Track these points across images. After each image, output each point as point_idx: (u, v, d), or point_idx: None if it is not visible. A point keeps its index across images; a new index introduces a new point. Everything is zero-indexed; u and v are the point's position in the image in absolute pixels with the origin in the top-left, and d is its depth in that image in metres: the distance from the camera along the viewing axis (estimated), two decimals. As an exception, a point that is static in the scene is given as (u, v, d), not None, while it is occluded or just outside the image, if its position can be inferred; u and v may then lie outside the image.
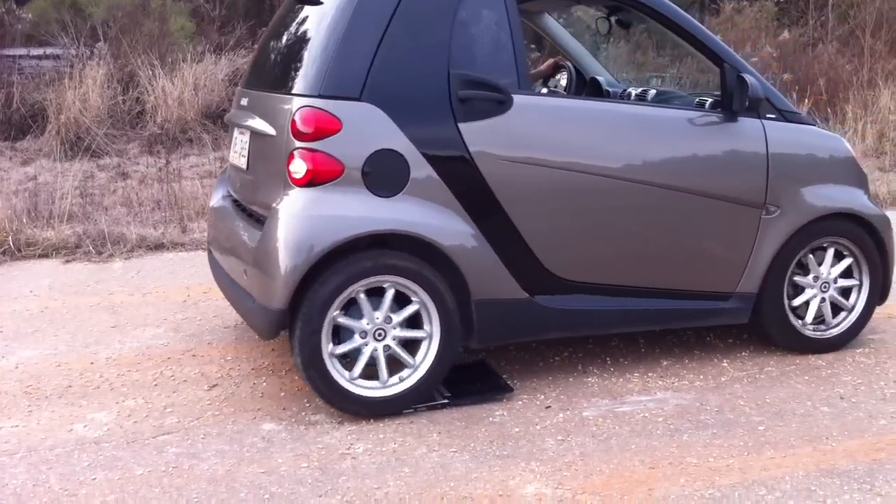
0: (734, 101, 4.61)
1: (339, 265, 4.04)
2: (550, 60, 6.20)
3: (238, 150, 4.79)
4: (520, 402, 4.34)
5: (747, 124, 4.69)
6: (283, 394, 4.45)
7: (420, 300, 4.18)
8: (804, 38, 13.93)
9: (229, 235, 4.74)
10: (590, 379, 4.62)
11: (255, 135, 4.52)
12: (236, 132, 4.89)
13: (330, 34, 4.17)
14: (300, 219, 4.05)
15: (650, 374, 4.68)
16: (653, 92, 5.43)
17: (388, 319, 4.17)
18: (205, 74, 11.77)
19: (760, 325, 4.93)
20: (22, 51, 12.76)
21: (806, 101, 11.35)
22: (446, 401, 4.29)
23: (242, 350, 5.05)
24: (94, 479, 3.64)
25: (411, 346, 4.25)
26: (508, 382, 4.53)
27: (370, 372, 4.19)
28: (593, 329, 4.69)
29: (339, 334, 4.16)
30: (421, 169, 4.13)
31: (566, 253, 4.44)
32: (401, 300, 4.19)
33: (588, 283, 4.52)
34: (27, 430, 4.09)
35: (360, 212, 4.06)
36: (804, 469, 3.69)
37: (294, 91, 4.21)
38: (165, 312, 5.71)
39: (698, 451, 3.85)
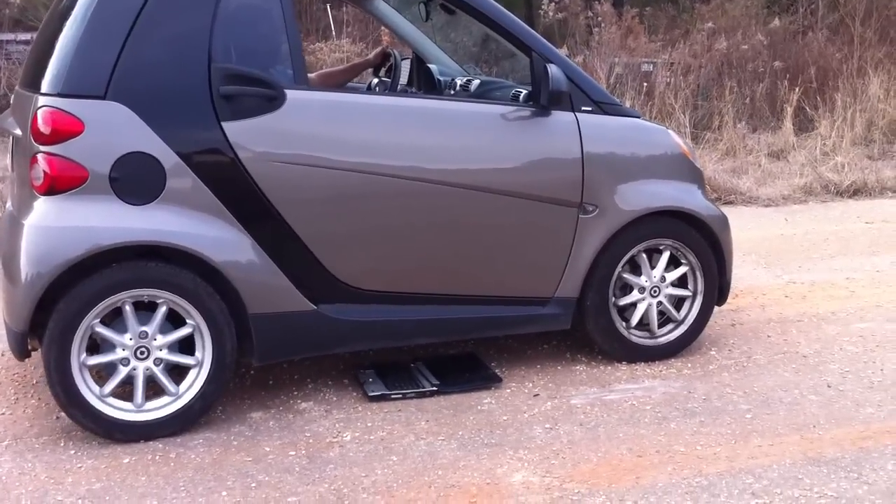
0: (541, 93, 4.29)
1: (95, 278, 3.70)
2: (378, 49, 5.76)
3: (9, 153, 4.46)
4: (508, 391, 4.34)
5: (559, 118, 4.39)
6: (270, 382, 4.44)
7: (194, 323, 3.85)
8: (794, 26, 13.93)
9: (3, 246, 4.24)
10: (578, 367, 4.62)
11: (15, 138, 4.16)
12: (8, 134, 4.49)
13: (75, 25, 3.82)
14: (38, 230, 3.70)
15: (638, 363, 4.67)
16: (476, 82, 4.97)
17: (154, 339, 3.82)
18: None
19: (584, 330, 4.66)
20: (9, 36, 12.66)
21: (796, 89, 11.36)
22: (435, 388, 4.29)
23: (230, 338, 5.03)
24: (81, 467, 3.63)
25: (180, 371, 3.94)
26: (497, 371, 4.52)
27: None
28: (394, 341, 4.40)
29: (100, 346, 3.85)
30: (179, 173, 3.78)
31: (356, 260, 4.13)
32: (177, 321, 3.88)
33: (385, 291, 4.23)
34: (13, 417, 4.07)
35: (107, 222, 3.71)
36: (791, 457, 3.69)
37: (38, 90, 3.82)
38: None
39: (686, 439, 3.85)
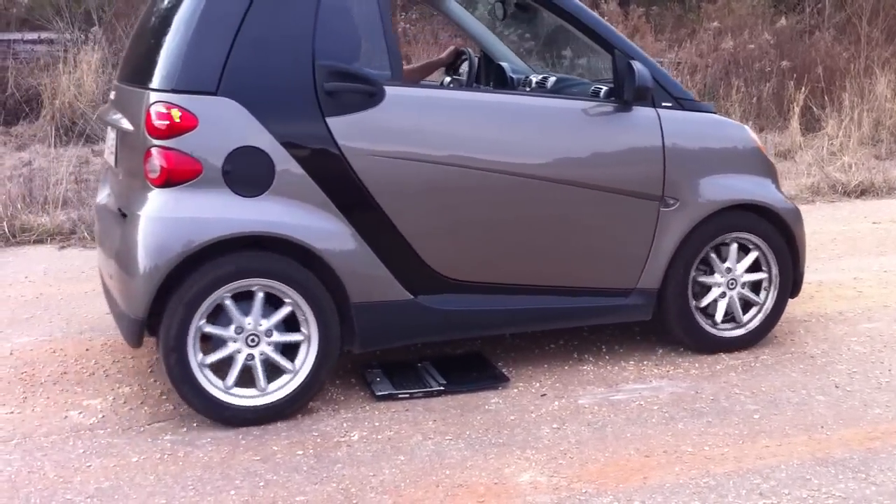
0: (624, 89, 4.41)
1: (203, 269, 3.83)
2: (451, 48, 5.88)
3: (109, 147, 4.59)
4: (515, 390, 4.34)
5: (641, 114, 4.51)
6: (278, 381, 4.44)
7: (293, 301, 3.97)
8: (801, 25, 13.90)
9: (104, 236, 4.53)
10: (585, 367, 4.63)
11: (121, 132, 4.30)
12: (108, 128, 4.68)
13: (185, 24, 3.95)
14: (155, 221, 3.83)
15: (645, 363, 4.68)
16: (552, 79, 5.17)
17: (259, 324, 3.96)
18: (200, 60, 11.71)
19: (664, 322, 4.75)
20: (16, 35, 12.68)
21: (803, 88, 11.34)
22: (442, 388, 4.29)
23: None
24: (89, 465, 3.63)
25: (289, 351, 4.06)
26: (504, 371, 4.52)
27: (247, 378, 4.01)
28: (484, 330, 4.53)
29: (211, 343, 3.97)
30: (287, 166, 3.92)
31: (450, 251, 4.25)
32: (275, 303, 4.00)
33: (476, 282, 4.34)
34: (22, 416, 4.08)
35: (220, 213, 3.85)
36: (799, 457, 3.69)
37: (151, 85, 3.96)
38: (161, 299, 5.69)
39: (693, 439, 3.85)
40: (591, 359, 4.73)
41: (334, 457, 3.71)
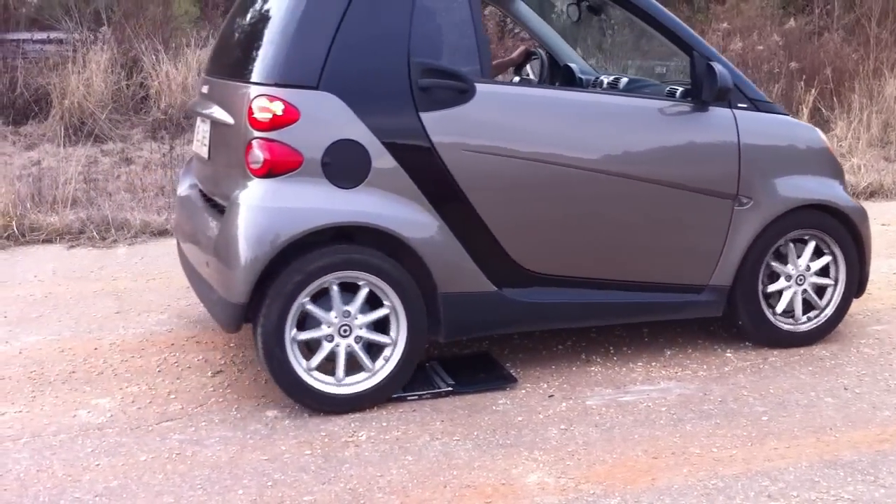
0: (703, 90, 4.49)
1: (302, 259, 3.95)
2: (521, 48, 6.02)
3: (200, 139, 4.71)
4: (523, 391, 4.34)
5: (718, 114, 4.61)
6: (286, 381, 4.45)
7: (391, 304, 4.09)
8: (810, 26, 13.86)
9: (192, 225, 4.67)
10: (593, 368, 4.62)
11: (216, 124, 4.43)
12: (199, 121, 4.80)
13: (286, 20, 4.07)
14: (258, 211, 3.95)
15: (653, 364, 4.67)
16: (625, 80, 5.32)
17: (356, 318, 4.07)
18: (209, 60, 11.73)
19: (734, 317, 4.84)
20: (26, 35, 12.70)
21: (812, 90, 11.31)
22: (450, 389, 4.29)
23: (246, 337, 5.04)
24: (98, 464, 3.64)
25: (376, 349, 4.17)
26: (512, 372, 4.52)
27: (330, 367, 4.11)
28: (562, 322, 4.64)
29: (306, 322, 4.07)
30: (382, 159, 4.04)
31: (533, 245, 4.35)
32: (372, 301, 4.11)
33: (557, 275, 4.43)
34: (31, 415, 4.09)
35: (320, 203, 3.97)
36: (807, 460, 3.69)
37: (251, 79, 4.11)
38: (169, 298, 5.71)
39: (701, 440, 3.85)
40: (599, 360, 4.72)
41: (342, 457, 3.71)
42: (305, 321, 4.06)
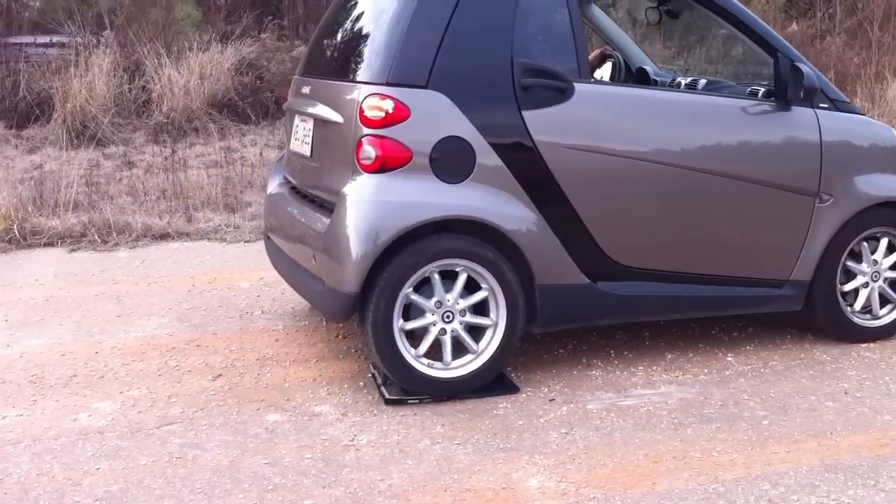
0: (788, 90, 4.67)
1: (408, 250, 4.12)
2: (597, 51, 6.18)
3: (300, 138, 4.85)
4: (524, 395, 4.34)
5: (801, 113, 4.76)
6: (287, 384, 4.45)
7: (489, 287, 4.26)
8: (812, 30, 13.87)
9: (293, 221, 4.79)
10: (594, 372, 4.62)
11: (320, 122, 4.59)
12: (297, 119, 4.93)
13: (395, 23, 4.25)
14: (370, 204, 4.13)
15: (654, 368, 4.67)
16: (703, 81, 5.47)
17: (456, 303, 4.24)
18: (211, 63, 11.75)
19: (811, 312, 4.99)
20: (28, 38, 12.75)
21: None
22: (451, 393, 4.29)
23: (247, 340, 5.05)
24: (98, 468, 3.64)
25: (476, 332, 4.32)
26: (513, 375, 4.52)
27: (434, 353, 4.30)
28: (649, 315, 4.80)
29: (409, 312, 4.24)
30: (486, 156, 4.21)
31: (625, 239, 4.52)
32: (470, 287, 4.28)
33: (646, 269, 4.59)
34: (31, 419, 4.10)
35: (428, 197, 4.15)
36: (808, 464, 3.68)
37: (361, 79, 4.30)
38: (170, 302, 5.71)
39: (702, 445, 3.85)
40: (599, 364, 4.72)
41: (342, 461, 3.71)
42: (409, 311, 4.24)
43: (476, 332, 4.32)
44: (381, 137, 4.12)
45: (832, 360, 4.79)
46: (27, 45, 12.41)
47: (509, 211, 4.24)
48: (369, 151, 4.12)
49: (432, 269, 4.17)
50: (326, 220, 4.31)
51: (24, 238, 7.02)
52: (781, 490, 3.48)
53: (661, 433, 3.95)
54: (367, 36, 4.48)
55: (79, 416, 4.11)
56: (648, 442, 3.87)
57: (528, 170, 4.28)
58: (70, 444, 3.85)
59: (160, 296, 5.85)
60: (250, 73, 12.25)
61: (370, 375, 4.52)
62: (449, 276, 4.24)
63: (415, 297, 4.19)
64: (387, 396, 4.25)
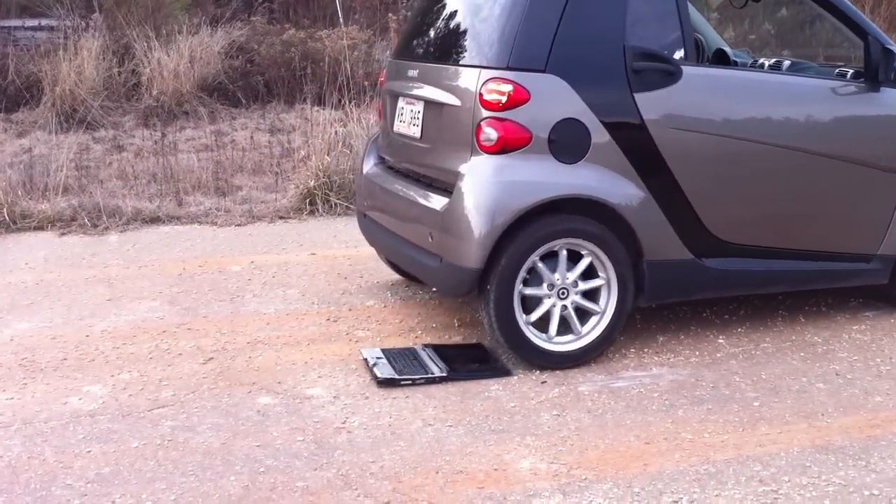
0: (880, 72, 4.82)
1: (527, 229, 4.27)
2: None
3: (407, 120, 4.95)
4: (515, 378, 4.34)
5: (890, 94, 4.91)
6: (278, 367, 4.45)
7: (606, 278, 4.43)
8: (802, 14, 13.85)
9: (402, 200, 4.89)
10: (586, 354, 4.62)
11: (431, 104, 4.69)
12: (402, 102, 5.03)
13: (512, 9, 4.37)
14: (493, 184, 4.29)
15: (646, 350, 4.68)
16: (787, 63, 5.54)
17: (567, 278, 4.39)
18: (201, 47, 11.68)
19: (892, 285, 5.14)
20: (17, 22, 12.66)
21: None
22: (444, 375, 4.29)
23: (238, 324, 5.04)
24: (90, 451, 3.64)
25: (589, 305, 4.48)
26: (505, 358, 4.52)
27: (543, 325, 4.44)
28: (746, 289, 4.98)
29: (525, 302, 4.39)
30: (601, 136, 4.35)
31: (726, 216, 4.68)
32: (572, 259, 4.42)
33: (746, 245, 4.76)
34: (22, 402, 4.08)
35: (547, 177, 4.30)
36: (799, 445, 3.69)
37: (480, 63, 4.42)
38: (161, 285, 5.70)
39: (693, 426, 3.85)
40: (591, 346, 4.72)
41: (334, 443, 3.71)
42: (528, 281, 4.39)
43: (589, 304, 4.48)
44: (502, 120, 4.26)
45: (823, 342, 4.80)
46: (15, 28, 12.33)
47: (622, 190, 4.38)
48: (491, 133, 4.27)
49: (561, 245, 4.34)
50: (444, 200, 4.45)
51: (13, 222, 6.99)
52: (772, 471, 3.48)
53: (652, 415, 3.96)
54: (483, 21, 4.58)
55: (70, 400, 4.10)
56: (640, 423, 3.88)
57: (639, 150, 4.42)
58: (61, 427, 3.84)
59: (151, 279, 5.83)
60: (240, 57, 12.18)
61: (362, 359, 4.51)
62: (552, 257, 4.38)
63: (540, 265, 4.35)
64: (378, 376, 4.24)
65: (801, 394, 4.18)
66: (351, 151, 7.88)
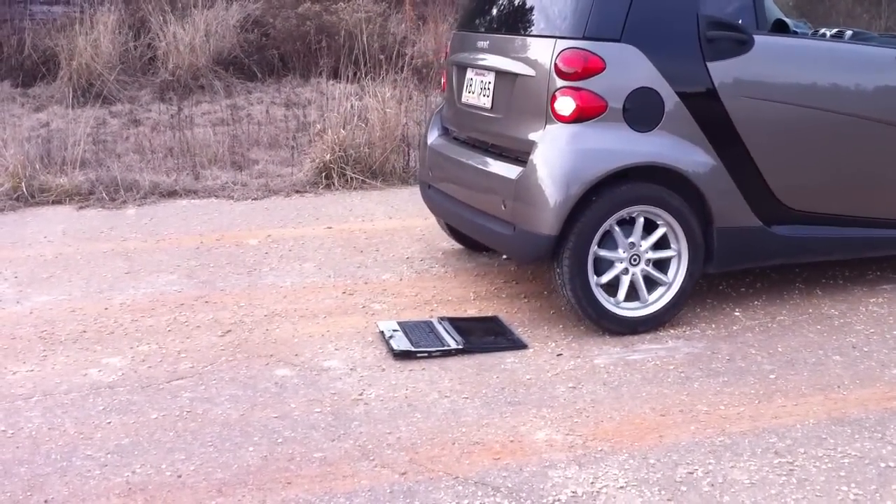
0: None
1: (606, 194, 4.33)
2: None
3: (476, 91, 5.01)
4: (531, 350, 4.35)
5: None
6: (295, 340, 4.47)
7: (665, 222, 4.47)
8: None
9: (467, 171, 4.98)
10: (601, 327, 4.63)
11: (503, 74, 4.74)
12: (471, 73, 5.08)
13: None
14: (569, 152, 4.35)
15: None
16: (849, 33, 5.50)
17: (640, 245, 4.48)
18: (216, 20, 11.67)
19: None
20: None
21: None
22: (460, 347, 4.31)
23: (255, 296, 5.07)
24: (109, 422, 3.67)
25: (661, 267, 4.57)
26: (520, 331, 4.54)
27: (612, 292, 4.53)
28: (813, 256, 5.01)
29: (597, 265, 4.47)
30: (674, 105, 4.40)
31: (794, 183, 4.72)
32: (646, 227, 4.49)
33: (813, 212, 4.82)
34: (42, 374, 4.12)
35: (622, 145, 4.36)
36: (815, 417, 3.69)
37: (555, 34, 4.46)
38: (179, 259, 5.73)
39: (709, 398, 3.86)
40: (607, 319, 4.72)
41: (351, 414, 3.73)
42: (603, 244, 4.48)
43: (660, 270, 4.56)
44: (578, 89, 4.31)
45: (840, 315, 4.78)
46: (32, 3, 12.33)
47: (694, 157, 4.44)
48: (567, 102, 4.32)
49: (629, 214, 4.41)
50: (518, 168, 4.50)
51: (32, 196, 7.03)
52: (788, 443, 3.49)
53: (668, 387, 3.97)
54: None
55: (89, 372, 4.14)
56: (655, 396, 3.89)
57: (711, 118, 4.47)
58: (81, 398, 3.88)
59: (169, 253, 5.86)
60: (256, 31, 12.15)
61: (378, 332, 4.53)
62: (629, 223, 4.47)
63: (602, 252, 4.42)
64: (395, 349, 4.26)
65: (817, 366, 4.18)
66: (367, 125, 7.86)
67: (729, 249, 4.62)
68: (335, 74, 10.21)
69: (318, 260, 5.70)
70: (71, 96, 10.04)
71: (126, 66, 11.18)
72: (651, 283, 4.57)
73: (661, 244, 4.53)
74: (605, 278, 4.46)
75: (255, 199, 7.18)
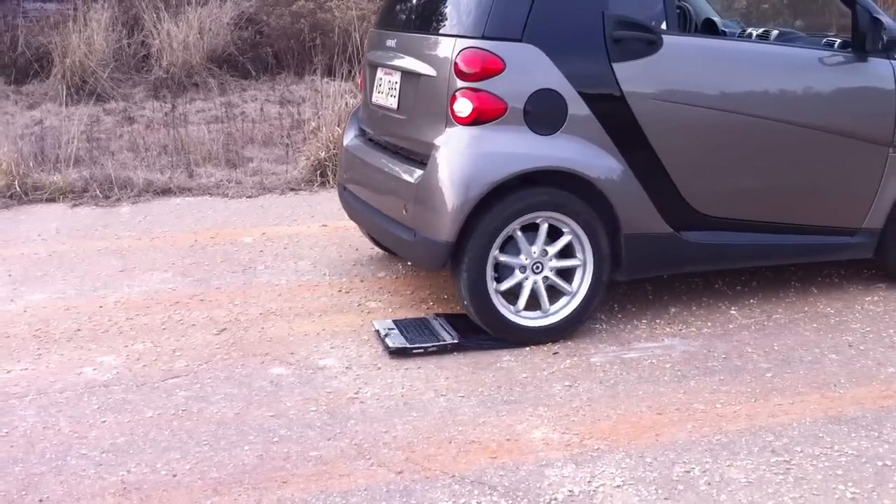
0: (867, 41, 4.71)
1: (508, 199, 4.20)
2: None
3: (385, 91, 4.88)
4: (527, 348, 4.34)
5: (877, 64, 4.81)
6: (291, 338, 4.46)
7: (571, 230, 4.32)
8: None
9: (380, 173, 4.81)
10: (597, 325, 4.62)
11: (408, 75, 4.61)
12: (380, 72, 4.95)
13: None
14: (467, 156, 4.21)
15: (658, 321, 4.67)
16: (775, 32, 5.44)
17: (543, 253, 4.33)
18: (210, 18, 11.63)
19: (882, 259, 5.09)
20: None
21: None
22: (455, 342, 4.30)
23: (250, 295, 5.05)
24: (104, 421, 3.66)
25: (565, 276, 4.42)
26: (516, 328, 4.52)
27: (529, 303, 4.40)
28: (728, 263, 4.89)
29: (499, 271, 4.33)
30: (578, 107, 4.26)
31: (707, 189, 4.59)
32: (551, 234, 4.35)
33: (725, 218, 4.67)
34: (36, 373, 4.11)
35: (522, 149, 4.21)
36: (811, 416, 3.69)
37: (455, 33, 4.34)
38: (173, 257, 5.71)
39: (705, 397, 3.86)
40: (603, 317, 4.72)
41: (347, 413, 3.72)
42: (500, 270, 4.35)
43: (565, 279, 4.43)
44: (477, 90, 4.18)
45: (836, 314, 4.79)
46: (25, 0, 12.29)
47: (599, 162, 4.30)
48: (465, 104, 4.19)
49: (533, 220, 4.27)
50: (419, 172, 4.37)
51: (25, 193, 7.00)
52: (785, 441, 3.49)
53: (664, 385, 3.97)
54: None
55: (84, 370, 4.12)
56: (652, 394, 3.88)
57: (617, 121, 4.33)
58: (75, 397, 3.87)
59: (163, 251, 5.84)
60: (250, 28, 12.12)
61: (374, 330, 4.52)
62: (532, 228, 4.32)
63: (503, 257, 4.29)
64: (390, 346, 4.25)
65: (813, 365, 4.18)
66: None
67: (638, 257, 4.49)
68: (329, 72, 10.18)
69: (314, 258, 5.68)
70: (64, 94, 9.99)
71: (120, 64, 11.13)
72: (556, 293, 4.43)
73: (567, 252, 4.39)
74: (506, 285, 4.32)
75: (249, 196, 7.16)
